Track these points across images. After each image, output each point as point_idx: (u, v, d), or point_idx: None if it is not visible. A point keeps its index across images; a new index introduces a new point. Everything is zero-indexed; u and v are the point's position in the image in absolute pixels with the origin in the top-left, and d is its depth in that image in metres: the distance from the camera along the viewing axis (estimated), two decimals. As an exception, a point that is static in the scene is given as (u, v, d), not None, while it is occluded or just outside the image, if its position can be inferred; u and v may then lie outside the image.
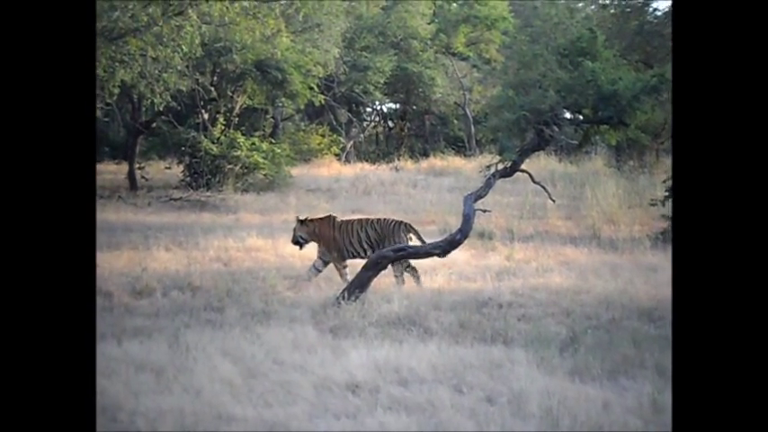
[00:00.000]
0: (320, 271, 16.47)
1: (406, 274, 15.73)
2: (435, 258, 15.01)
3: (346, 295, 13.75)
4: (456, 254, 15.45)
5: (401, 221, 16.67)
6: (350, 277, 15.64)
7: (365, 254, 16.12)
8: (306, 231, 16.87)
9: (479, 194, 14.96)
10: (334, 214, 17.47)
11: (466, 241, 14.70)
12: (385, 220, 16.73)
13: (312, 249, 16.92)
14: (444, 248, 14.41)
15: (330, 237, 16.62)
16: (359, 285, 14.00)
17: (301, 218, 17.24)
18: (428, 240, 15.91)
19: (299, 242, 17.02)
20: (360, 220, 16.85)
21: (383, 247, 15.81)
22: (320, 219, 17.11)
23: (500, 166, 15.60)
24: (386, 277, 14.85)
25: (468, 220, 14.31)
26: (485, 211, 15.18)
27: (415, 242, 15.90)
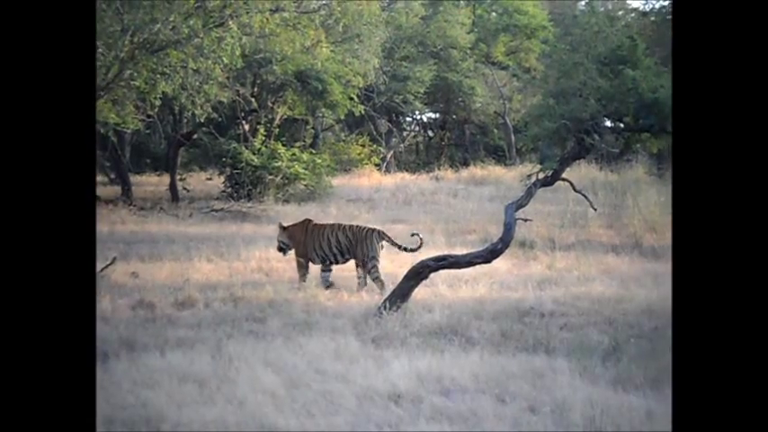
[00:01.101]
0: (329, 271, 16.94)
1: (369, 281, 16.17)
2: (477, 268, 14.99)
3: (388, 305, 13.74)
4: (497, 263, 15.43)
5: (374, 229, 16.94)
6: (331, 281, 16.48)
7: (335, 259, 16.80)
8: (286, 236, 17.30)
9: (520, 203, 14.94)
10: (310, 218, 17.89)
11: (507, 250, 14.67)
12: (358, 226, 17.05)
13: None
14: (486, 257, 14.38)
15: (301, 240, 17.00)
16: (400, 295, 13.99)
17: (284, 224, 17.69)
18: (466, 251, 15.89)
19: (281, 248, 17.43)
20: (332, 225, 17.22)
21: (354, 253, 16.44)
22: (296, 223, 17.59)
23: (541, 175, 15.60)
24: (427, 287, 14.83)
25: (509, 229, 14.29)
26: (526, 220, 15.16)
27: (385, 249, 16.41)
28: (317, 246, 16.86)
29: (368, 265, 16.39)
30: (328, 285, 16.56)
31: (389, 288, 14.78)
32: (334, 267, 17.01)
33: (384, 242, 16.54)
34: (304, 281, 16.64)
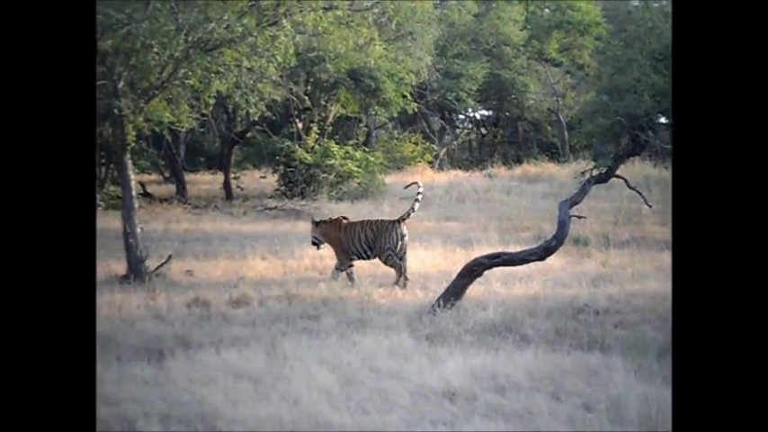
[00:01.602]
0: (351, 266, 17.33)
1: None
2: (531, 265, 14.96)
3: (442, 303, 13.75)
4: (551, 260, 15.38)
5: (394, 221, 17.37)
6: (355, 277, 16.90)
7: (366, 254, 17.31)
8: (319, 232, 17.77)
9: (574, 200, 14.88)
10: (344, 216, 18.19)
11: (561, 248, 14.61)
12: (381, 221, 17.62)
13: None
14: (540, 255, 14.35)
15: (336, 237, 17.46)
16: (454, 293, 13.99)
17: (316, 220, 18.35)
18: (520, 248, 15.86)
19: (315, 243, 17.92)
20: (362, 222, 17.71)
21: (377, 246, 16.94)
22: (330, 220, 18.05)
23: (595, 172, 15.52)
24: (481, 285, 14.81)
25: (563, 226, 14.23)
26: (580, 217, 15.09)
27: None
28: (350, 243, 17.29)
29: (384, 256, 16.95)
30: (353, 279, 17.05)
31: (438, 287, 14.77)
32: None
33: (404, 225, 17.18)
34: (353, 279, 17.02)
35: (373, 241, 17.15)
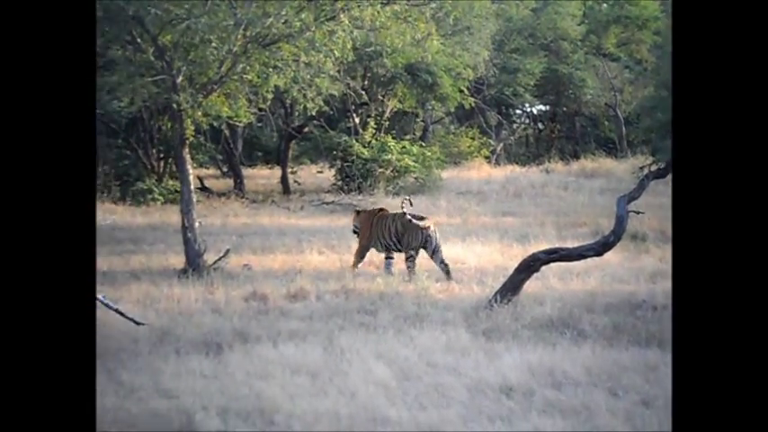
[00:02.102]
0: (391, 259, 17.67)
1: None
2: (588, 261, 14.90)
3: (499, 298, 13.72)
4: (609, 256, 15.30)
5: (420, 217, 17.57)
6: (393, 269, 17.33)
7: (394, 246, 17.49)
8: (359, 221, 18.25)
9: (632, 196, 14.79)
10: (383, 207, 18.81)
11: (619, 243, 14.53)
12: (408, 214, 17.48)
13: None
14: (597, 250, 14.28)
15: (367, 228, 17.84)
16: (511, 288, 13.96)
17: (358, 209, 19.28)
18: (577, 244, 15.81)
19: (355, 231, 18.42)
20: (393, 215, 17.87)
21: (404, 239, 17.19)
22: (369, 211, 18.67)
23: (653, 167, 15.42)
24: (538, 280, 14.77)
25: (621, 221, 14.16)
26: (638, 212, 14.99)
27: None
28: (380, 234, 17.59)
29: (408, 253, 17.24)
30: (391, 272, 17.27)
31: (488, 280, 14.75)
32: (395, 255, 17.71)
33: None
34: (356, 267, 17.57)
35: (401, 234, 17.36)
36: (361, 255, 17.88)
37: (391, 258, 17.64)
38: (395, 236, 17.41)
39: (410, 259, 17.18)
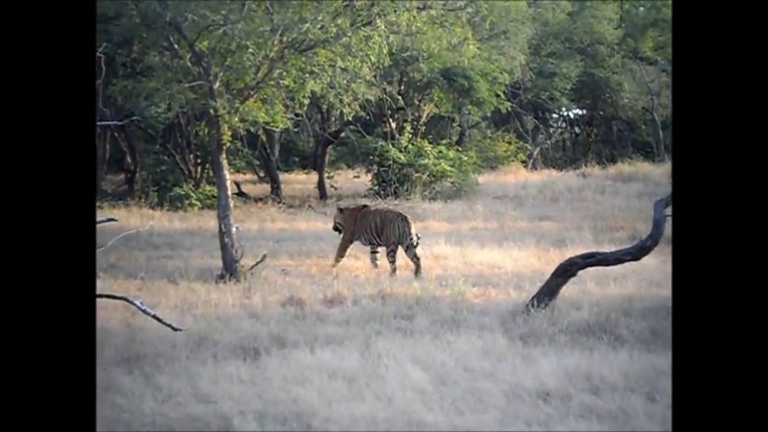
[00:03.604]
0: (376, 252, 18.68)
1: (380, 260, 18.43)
2: (625, 265, 14.85)
3: (536, 303, 13.70)
4: (646, 260, 15.20)
5: (399, 213, 18.69)
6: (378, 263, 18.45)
7: (375, 241, 18.43)
8: (341, 218, 19.02)
9: (670, 200, 14.72)
10: (367, 204, 19.93)
11: (656, 247, 14.46)
12: (389, 211, 18.92)
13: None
14: (634, 255, 14.22)
15: (351, 224, 18.79)
16: (548, 293, 13.93)
17: (341, 206, 20.15)
18: (614, 248, 15.76)
19: (337, 228, 19.19)
20: (374, 210, 18.99)
21: (384, 235, 18.08)
22: (352, 208, 19.61)
23: (691, 171, 15.33)
24: (575, 285, 14.72)
25: (658, 225, 14.09)
26: (676, 216, 14.90)
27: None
28: (362, 230, 18.43)
29: (389, 247, 18.11)
30: (376, 265, 18.48)
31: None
32: (380, 250, 18.60)
33: (406, 226, 18.06)
34: (337, 263, 18.41)
35: (381, 229, 18.21)
36: (342, 250, 18.59)
37: (376, 252, 18.62)
38: (374, 231, 18.23)
39: (391, 254, 18.03)
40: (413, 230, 18.03)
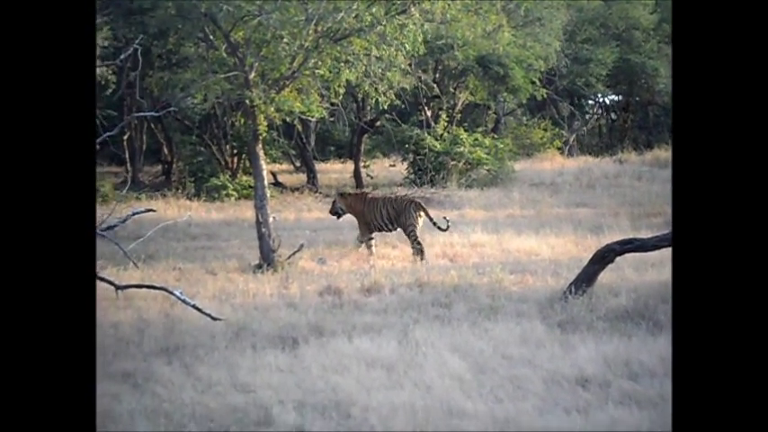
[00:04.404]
0: (371, 238, 19.07)
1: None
2: (663, 251, 14.79)
3: (573, 289, 13.66)
4: (684, 246, 15.15)
5: (412, 200, 19.18)
6: (374, 249, 18.77)
7: (388, 228, 18.94)
8: (344, 204, 19.49)
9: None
10: (367, 190, 20.52)
11: (695, 233, 14.38)
12: (402, 197, 19.29)
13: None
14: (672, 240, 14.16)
15: (360, 211, 19.00)
16: (585, 279, 13.89)
17: (341, 191, 20.69)
18: (652, 234, 15.70)
19: (337, 213, 19.85)
20: (384, 198, 19.39)
21: (399, 222, 18.49)
22: (355, 194, 20.03)
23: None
24: (612, 271, 14.67)
25: (696, 211, 14.03)
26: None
27: (423, 219, 18.62)
28: (373, 217, 18.78)
29: (407, 231, 18.53)
30: (372, 252, 18.77)
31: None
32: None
33: (421, 212, 18.62)
34: (364, 243, 18.98)
35: (395, 217, 18.62)
36: (366, 231, 19.07)
37: (372, 239, 19.04)
38: (387, 218, 18.71)
39: (412, 234, 18.46)
40: (428, 214, 18.70)
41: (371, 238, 18.97)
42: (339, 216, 19.90)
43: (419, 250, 18.13)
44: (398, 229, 18.90)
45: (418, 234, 18.43)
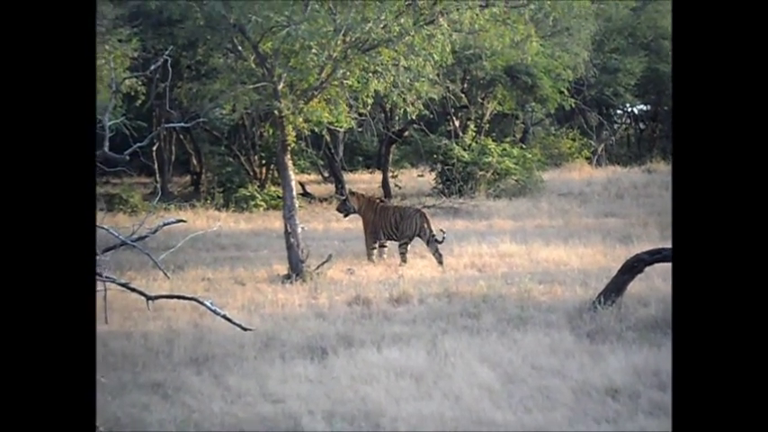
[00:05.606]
0: (384, 246, 19.56)
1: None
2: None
3: (602, 300, 13.64)
4: (714, 256, 15.11)
5: (418, 210, 19.85)
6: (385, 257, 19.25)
7: (394, 237, 19.19)
8: (356, 204, 19.87)
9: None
10: (378, 197, 21.06)
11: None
12: (407, 207, 20.20)
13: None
14: (701, 251, 14.11)
15: (370, 218, 19.56)
16: (615, 289, 13.87)
17: (352, 190, 21.20)
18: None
19: (347, 211, 20.26)
20: (394, 207, 20.06)
21: (401, 231, 18.94)
22: (368, 198, 20.22)
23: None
24: (642, 281, 14.62)
25: (725, 221, 13.98)
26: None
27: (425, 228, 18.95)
28: (383, 225, 19.12)
29: (402, 239, 19.06)
30: (383, 259, 19.25)
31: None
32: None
33: (424, 223, 18.96)
34: (373, 253, 19.36)
35: (398, 225, 19.02)
36: (374, 239, 19.46)
37: (384, 246, 19.50)
38: (393, 227, 19.04)
39: (403, 246, 18.98)
40: (431, 226, 18.99)
41: (384, 246, 19.37)
42: (347, 214, 20.28)
43: (403, 260, 18.82)
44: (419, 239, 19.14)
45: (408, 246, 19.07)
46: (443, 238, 18.75)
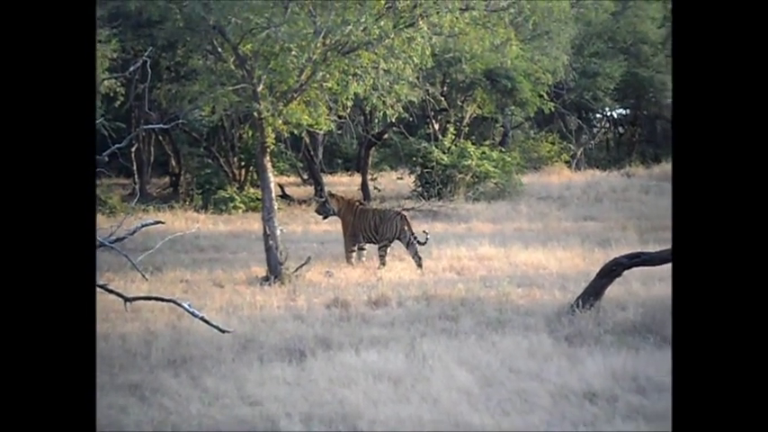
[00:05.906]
0: (363, 249, 19.60)
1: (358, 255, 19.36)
2: (671, 265, 14.76)
3: (581, 303, 13.66)
4: (692, 260, 15.14)
5: (398, 212, 19.77)
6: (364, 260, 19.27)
7: (374, 239, 19.14)
8: (336, 206, 19.87)
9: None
10: (357, 200, 20.86)
11: (702, 247, 14.36)
12: (387, 210, 20.20)
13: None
14: (680, 255, 14.14)
15: (350, 221, 19.52)
16: (593, 293, 13.88)
17: (331, 192, 21.12)
18: (660, 248, 15.69)
19: (326, 213, 20.26)
20: (373, 210, 20.07)
21: (380, 234, 18.89)
22: (347, 200, 20.17)
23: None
24: (620, 285, 14.65)
25: (704, 226, 14.01)
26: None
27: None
28: (363, 227, 19.15)
29: (381, 242, 19.05)
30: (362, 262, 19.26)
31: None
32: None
33: (405, 225, 18.96)
34: (352, 256, 19.31)
35: (377, 228, 19.11)
36: (352, 242, 19.42)
37: (363, 249, 19.55)
38: (372, 230, 19.02)
39: (383, 248, 18.96)
40: (412, 229, 19.03)
41: (363, 249, 19.39)
42: (326, 216, 20.31)
43: (382, 262, 18.80)
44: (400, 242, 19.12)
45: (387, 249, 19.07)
46: (426, 239, 18.74)
